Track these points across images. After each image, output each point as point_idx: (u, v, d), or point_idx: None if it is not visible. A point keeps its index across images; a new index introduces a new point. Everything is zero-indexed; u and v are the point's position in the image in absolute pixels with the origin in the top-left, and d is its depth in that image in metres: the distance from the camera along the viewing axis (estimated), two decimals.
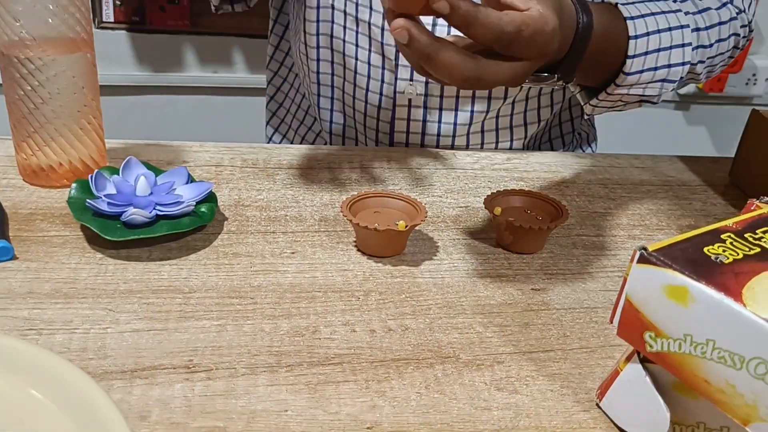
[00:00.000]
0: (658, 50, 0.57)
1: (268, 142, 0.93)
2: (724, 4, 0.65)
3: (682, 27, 0.58)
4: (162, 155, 0.66)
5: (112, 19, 1.47)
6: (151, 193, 0.54)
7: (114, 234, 0.50)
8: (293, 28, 0.81)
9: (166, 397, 0.39)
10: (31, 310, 0.45)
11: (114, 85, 1.48)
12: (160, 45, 1.48)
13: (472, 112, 0.73)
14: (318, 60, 0.76)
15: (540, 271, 0.53)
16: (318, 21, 0.74)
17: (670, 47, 0.57)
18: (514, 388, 0.42)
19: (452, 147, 0.76)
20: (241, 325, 0.45)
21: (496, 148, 0.77)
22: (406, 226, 0.51)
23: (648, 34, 0.56)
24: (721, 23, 0.64)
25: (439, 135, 0.75)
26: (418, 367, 0.43)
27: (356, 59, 0.73)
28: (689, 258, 0.35)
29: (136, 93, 1.51)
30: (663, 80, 0.58)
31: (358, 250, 0.54)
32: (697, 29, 0.61)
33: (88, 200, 0.51)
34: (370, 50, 0.72)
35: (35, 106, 0.57)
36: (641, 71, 0.57)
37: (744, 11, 0.67)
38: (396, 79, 0.72)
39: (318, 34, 0.74)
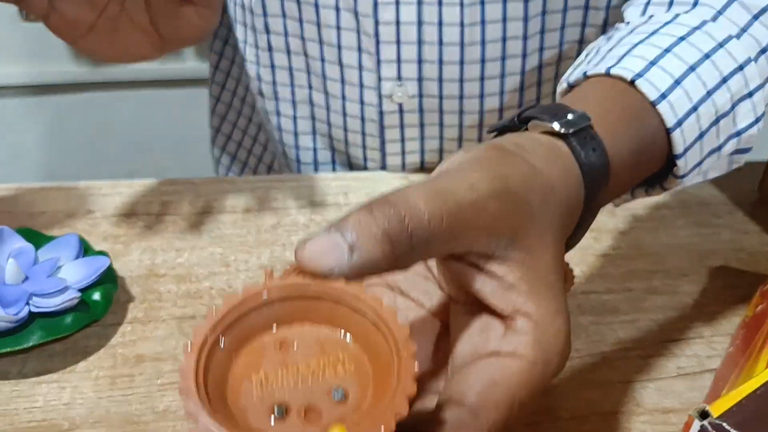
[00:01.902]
0: (717, 120, 0.37)
1: (218, 163, 0.79)
2: None
3: (740, 68, 0.37)
4: (61, 204, 0.53)
5: None
6: (27, 279, 0.41)
7: None
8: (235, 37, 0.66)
9: None
10: None
11: (50, 84, 1.33)
12: None
13: (482, 113, 0.59)
14: (272, 67, 0.60)
15: None
16: (265, 15, 0.58)
17: (732, 107, 0.37)
18: None
19: None
20: None
21: None
22: None
23: (695, 108, 0.35)
24: None
25: (441, 150, 0.61)
26: None
27: (323, 60, 0.58)
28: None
29: (76, 91, 1.36)
30: (734, 152, 0.40)
31: None
32: (763, 50, 0.39)
33: None
34: (339, 46, 0.56)
35: None
36: (700, 162, 0.37)
37: None
38: (380, 79, 0.57)
39: (268, 32, 0.58)
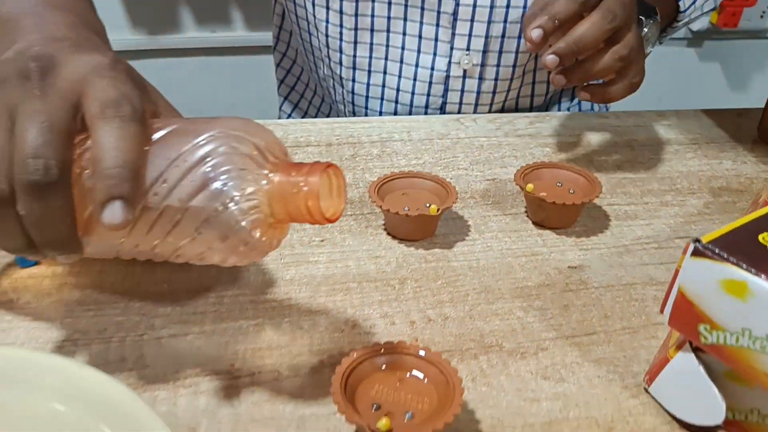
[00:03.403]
0: None
1: (280, 110, 0.91)
2: None
3: None
4: None
5: None
6: None
7: None
8: (302, 16, 0.76)
9: (213, 406, 0.38)
10: (63, 319, 0.44)
11: None
12: (154, 6, 1.44)
13: (534, 71, 0.73)
14: (355, 43, 0.71)
15: (575, 247, 0.52)
16: (357, 1, 0.68)
17: None
18: (561, 377, 0.41)
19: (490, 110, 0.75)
20: (279, 324, 0.44)
21: (531, 94, 0.76)
22: (438, 210, 0.50)
23: None
24: None
25: (492, 103, 0.74)
26: (462, 358, 0.42)
27: (404, 34, 0.69)
28: (745, 249, 0.34)
29: (132, 58, 1.47)
30: None
31: (388, 234, 0.53)
32: None
33: None
34: (421, 22, 0.68)
35: None
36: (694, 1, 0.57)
37: None
38: (452, 48, 0.69)
39: (357, 15, 0.69)
